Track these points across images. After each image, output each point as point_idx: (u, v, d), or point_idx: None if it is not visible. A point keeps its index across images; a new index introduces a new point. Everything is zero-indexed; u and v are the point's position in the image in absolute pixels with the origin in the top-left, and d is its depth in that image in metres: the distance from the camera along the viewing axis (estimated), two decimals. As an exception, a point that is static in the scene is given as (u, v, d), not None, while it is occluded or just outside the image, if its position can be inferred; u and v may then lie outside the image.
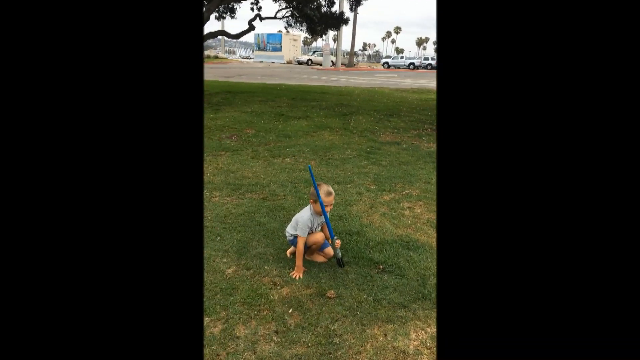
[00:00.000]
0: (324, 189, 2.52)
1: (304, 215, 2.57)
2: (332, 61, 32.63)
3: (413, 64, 41.83)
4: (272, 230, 3.09)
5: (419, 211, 3.56)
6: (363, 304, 2.25)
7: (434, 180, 4.42)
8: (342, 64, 33.30)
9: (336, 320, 2.10)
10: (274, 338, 1.96)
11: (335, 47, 33.93)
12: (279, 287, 2.38)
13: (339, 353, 1.88)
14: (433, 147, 6.04)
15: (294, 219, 2.70)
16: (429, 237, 3.07)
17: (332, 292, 2.33)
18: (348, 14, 13.48)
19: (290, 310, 2.17)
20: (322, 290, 2.35)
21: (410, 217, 3.43)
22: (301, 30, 13.07)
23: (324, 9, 12.37)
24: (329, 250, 2.74)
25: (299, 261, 2.54)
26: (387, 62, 44.07)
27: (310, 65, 34.61)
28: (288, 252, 2.77)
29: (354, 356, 1.87)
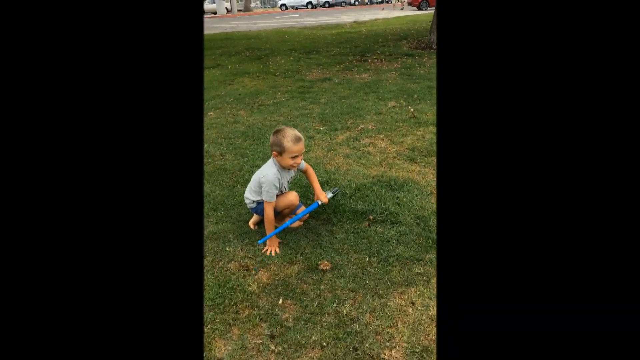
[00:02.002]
0: (289, 133, 1.89)
1: (269, 174, 1.93)
2: (226, 8, 29.95)
3: (311, 2, 40.35)
4: (220, 199, 2.41)
5: (383, 145, 3.10)
6: (369, 269, 1.76)
7: (385, 109, 3.97)
8: (238, 10, 30.76)
9: (345, 300, 1.59)
10: (272, 346, 1.40)
11: (226, -8, 31.01)
12: (254, 273, 1.79)
13: (367, 344, 1.38)
14: (367, 77, 5.56)
15: (253, 179, 2.05)
16: (408, 171, 2.64)
17: (325, 262, 1.80)
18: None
19: (280, 301, 1.61)
20: (311, 263, 1.81)
21: (377, 153, 2.96)
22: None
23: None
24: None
25: (270, 232, 1.94)
26: (284, 4, 41.89)
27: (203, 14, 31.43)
28: (251, 223, 2.14)
29: (387, 343, 1.39)
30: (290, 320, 1.51)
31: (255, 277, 1.76)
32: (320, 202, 2.05)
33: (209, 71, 6.57)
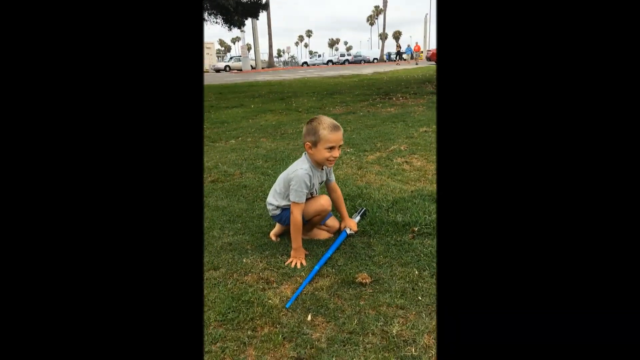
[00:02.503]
0: (325, 121, 1.63)
1: (299, 171, 1.65)
2: (251, 65, 31.43)
3: (331, 60, 42.35)
4: (238, 212, 2.13)
5: (419, 164, 2.80)
6: (420, 284, 1.40)
7: (417, 134, 3.72)
8: (262, 68, 32.23)
9: (393, 318, 1.23)
10: (300, 372, 1.04)
11: (252, 52, 32.73)
12: (275, 285, 1.45)
13: (430, 373, 1.01)
14: (393, 110, 5.39)
15: (280, 179, 1.77)
16: (451, 186, 2.31)
17: (365, 275, 1.46)
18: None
19: (310, 317, 1.26)
20: (346, 276, 1.46)
21: (414, 170, 2.66)
22: (216, 22, 11.94)
23: (239, -3, 11.35)
24: (334, 221, 1.86)
25: (296, 242, 1.62)
26: (305, 62, 44.11)
27: (229, 71, 33.07)
28: (272, 234, 1.83)
29: (458, 373, 1.01)
30: (323, 340, 1.15)
31: (278, 290, 1.42)
32: (349, 231, 1.76)
33: (231, 110, 6.56)
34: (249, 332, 1.20)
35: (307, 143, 1.64)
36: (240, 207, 2.21)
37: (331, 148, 1.60)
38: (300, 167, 1.65)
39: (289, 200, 1.68)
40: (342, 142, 1.64)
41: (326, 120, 1.61)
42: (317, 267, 1.52)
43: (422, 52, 27.09)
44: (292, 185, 1.63)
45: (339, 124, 1.63)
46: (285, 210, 1.73)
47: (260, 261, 1.62)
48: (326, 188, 1.86)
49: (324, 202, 1.72)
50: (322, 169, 1.74)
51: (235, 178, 2.77)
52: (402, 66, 22.03)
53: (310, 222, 1.75)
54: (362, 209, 1.99)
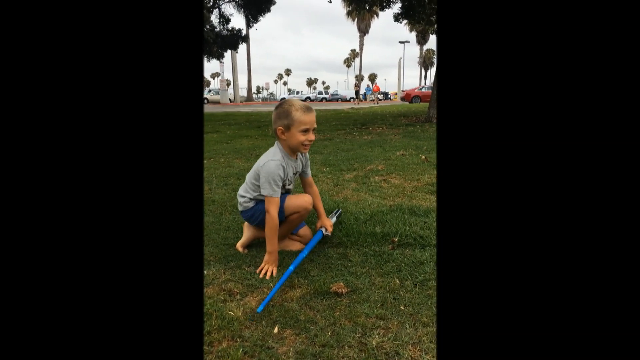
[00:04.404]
0: (297, 102, 1.52)
1: (270, 162, 1.51)
2: (230, 99, 31.60)
3: (309, 97, 43.25)
4: (204, 225, 1.95)
5: (397, 182, 2.71)
6: (402, 293, 1.25)
7: (394, 157, 3.66)
8: (240, 102, 32.46)
9: (372, 329, 1.07)
10: (261, 392, 0.86)
11: (231, 87, 33.07)
12: (239, 297, 1.27)
13: (418, 389, 0.85)
14: (370, 138, 5.37)
15: (252, 171, 1.63)
16: (432, 202, 2.22)
17: (341, 284, 1.30)
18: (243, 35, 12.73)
19: (276, 330, 1.08)
20: (320, 287, 1.30)
21: (392, 188, 2.56)
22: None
23: (218, 29, 11.51)
24: (306, 231, 1.70)
25: (272, 244, 1.46)
26: (283, 98, 44.79)
27: (206, 103, 33.07)
28: (239, 245, 1.66)
29: (450, 388, 0.85)
30: (292, 354, 0.98)
31: (241, 302, 1.24)
32: (325, 231, 1.62)
33: (206, 135, 6.41)
34: (204, 347, 1.01)
35: (280, 128, 1.51)
36: (206, 220, 2.03)
37: (306, 131, 1.48)
38: (271, 159, 1.52)
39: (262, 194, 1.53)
40: (315, 125, 1.52)
41: (297, 102, 1.50)
42: (291, 268, 1.35)
43: (381, 92, 27.60)
44: (263, 176, 1.48)
45: (311, 106, 1.52)
46: (260, 203, 1.57)
47: (224, 272, 1.44)
48: (302, 183, 1.72)
49: (307, 200, 1.58)
50: (297, 158, 1.60)
51: (205, 193, 2.59)
52: (361, 105, 22.35)
53: (287, 221, 1.58)
54: (338, 210, 1.87)
